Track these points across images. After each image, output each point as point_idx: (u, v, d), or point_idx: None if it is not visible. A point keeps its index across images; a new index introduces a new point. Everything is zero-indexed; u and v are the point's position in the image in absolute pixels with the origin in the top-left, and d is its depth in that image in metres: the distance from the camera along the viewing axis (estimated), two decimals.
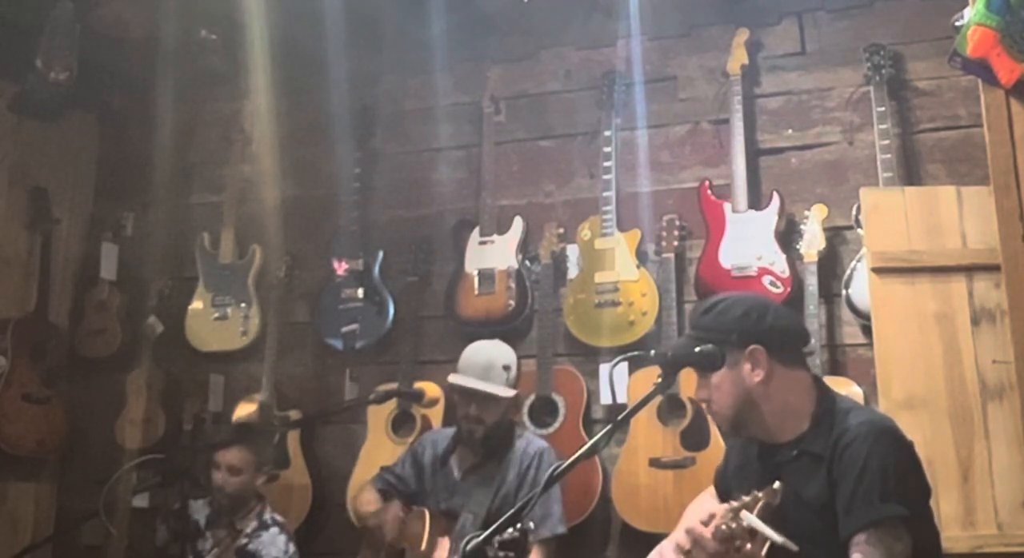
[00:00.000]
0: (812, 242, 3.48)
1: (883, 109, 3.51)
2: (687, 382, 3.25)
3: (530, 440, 3.30)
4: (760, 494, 1.78)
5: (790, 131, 3.79)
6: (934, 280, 3.04)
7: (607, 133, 3.87)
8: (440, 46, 4.11)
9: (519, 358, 3.45)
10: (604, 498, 3.51)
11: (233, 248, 4.24)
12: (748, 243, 3.55)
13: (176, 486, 2.95)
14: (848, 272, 3.46)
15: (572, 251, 3.86)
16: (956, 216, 3.08)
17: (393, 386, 3.69)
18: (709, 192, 3.69)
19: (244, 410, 3.87)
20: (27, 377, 4.11)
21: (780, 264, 3.50)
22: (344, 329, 3.99)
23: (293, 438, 3.89)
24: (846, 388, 3.24)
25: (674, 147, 3.92)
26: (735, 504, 1.80)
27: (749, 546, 1.75)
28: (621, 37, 4.01)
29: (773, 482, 1.80)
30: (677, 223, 3.72)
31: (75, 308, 4.41)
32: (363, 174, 4.18)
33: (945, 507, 2.80)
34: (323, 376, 4.11)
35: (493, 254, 3.90)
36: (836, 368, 3.45)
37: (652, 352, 2.20)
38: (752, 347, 2.07)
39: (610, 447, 3.50)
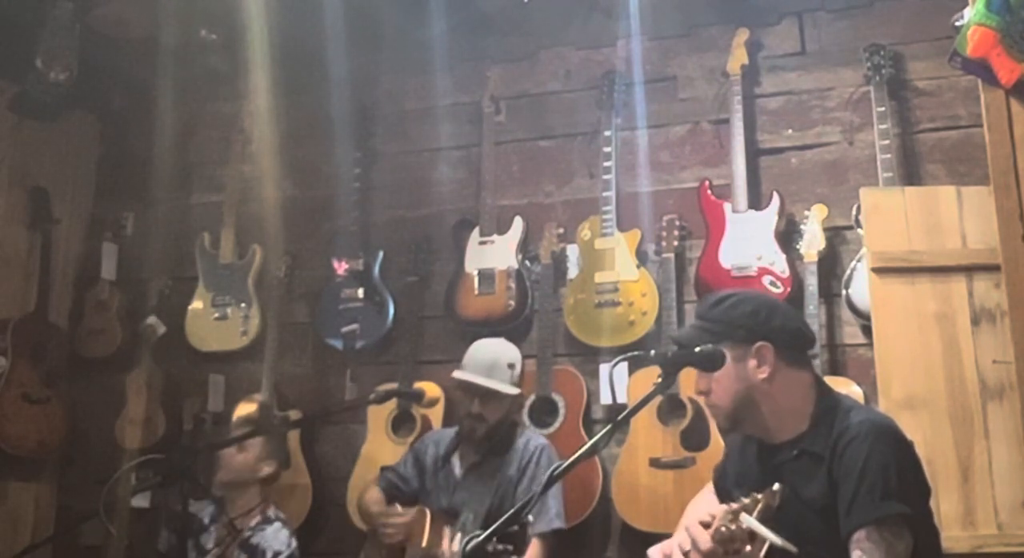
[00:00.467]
0: (812, 242, 3.49)
1: (883, 109, 3.51)
2: (687, 382, 3.26)
3: (530, 437, 3.31)
4: (760, 496, 1.78)
5: (790, 131, 3.79)
6: (934, 280, 3.04)
7: (607, 133, 3.87)
8: (440, 46, 4.11)
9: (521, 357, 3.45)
10: (604, 498, 3.51)
11: (233, 248, 4.24)
12: (748, 243, 3.55)
13: (176, 486, 2.95)
14: (848, 272, 3.46)
15: (572, 251, 3.86)
16: (956, 216, 3.08)
17: (393, 386, 3.68)
18: (709, 192, 3.70)
19: (244, 410, 3.86)
20: (27, 377, 4.11)
21: (780, 264, 3.50)
22: (344, 329, 3.99)
23: (293, 438, 3.88)
24: (846, 388, 3.24)
25: (674, 147, 3.92)
26: (734, 506, 1.80)
27: (748, 548, 1.75)
28: (621, 37, 4.01)
29: (773, 483, 1.80)
30: (677, 223, 3.72)
31: (75, 308, 4.41)
32: (363, 174, 4.18)
33: (945, 507, 2.80)
34: (323, 376, 4.12)
35: (493, 254, 3.90)
36: (836, 368, 3.45)
37: (652, 352, 2.20)
38: (760, 344, 2.08)
39: (610, 447, 3.50)
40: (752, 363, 2.08)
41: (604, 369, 3.66)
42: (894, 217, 3.13)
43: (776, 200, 3.60)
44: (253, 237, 4.25)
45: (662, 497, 3.39)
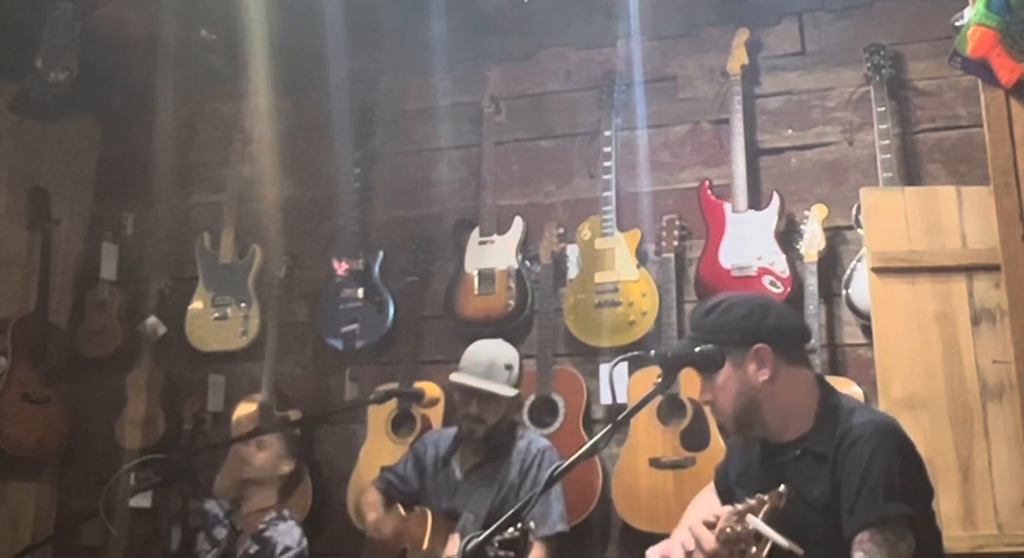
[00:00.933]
0: (812, 242, 3.49)
1: (883, 109, 3.51)
2: (687, 382, 3.26)
3: (532, 439, 3.30)
4: (766, 497, 1.77)
5: (790, 131, 3.79)
6: (934, 280, 3.04)
7: (607, 133, 3.87)
8: (440, 46, 4.11)
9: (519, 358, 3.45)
10: (604, 498, 3.51)
11: (233, 248, 4.24)
12: (748, 243, 3.55)
13: (176, 486, 2.95)
14: (848, 272, 3.46)
15: (572, 251, 3.86)
16: (956, 216, 3.08)
17: (393, 386, 3.68)
18: (709, 192, 3.70)
19: (244, 410, 3.86)
20: (27, 377, 4.11)
21: (780, 264, 3.50)
22: (344, 329, 3.99)
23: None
24: (846, 388, 3.24)
25: (674, 147, 3.92)
26: (740, 507, 1.80)
27: (754, 549, 1.75)
28: (621, 37, 4.01)
29: (777, 483, 1.80)
30: (677, 223, 3.72)
31: (75, 308, 4.41)
32: (363, 174, 4.18)
33: (945, 507, 2.79)
34: (323, 376, 4.12)
35: (493, 254, 3.90)
36: (836, 368, 3.45)
37: (652, 352, 2.19)
38: (757, 346, 2.06)
39: (610, 447, 3.50)
40: (752, 367, 2.07)
41: (604, 369, 3.66)
42: (894, 217, 3.13)
43: (776, 200, 3.60)
44: (253, 237, 4.26)
45: (662, 497, 3.39)
